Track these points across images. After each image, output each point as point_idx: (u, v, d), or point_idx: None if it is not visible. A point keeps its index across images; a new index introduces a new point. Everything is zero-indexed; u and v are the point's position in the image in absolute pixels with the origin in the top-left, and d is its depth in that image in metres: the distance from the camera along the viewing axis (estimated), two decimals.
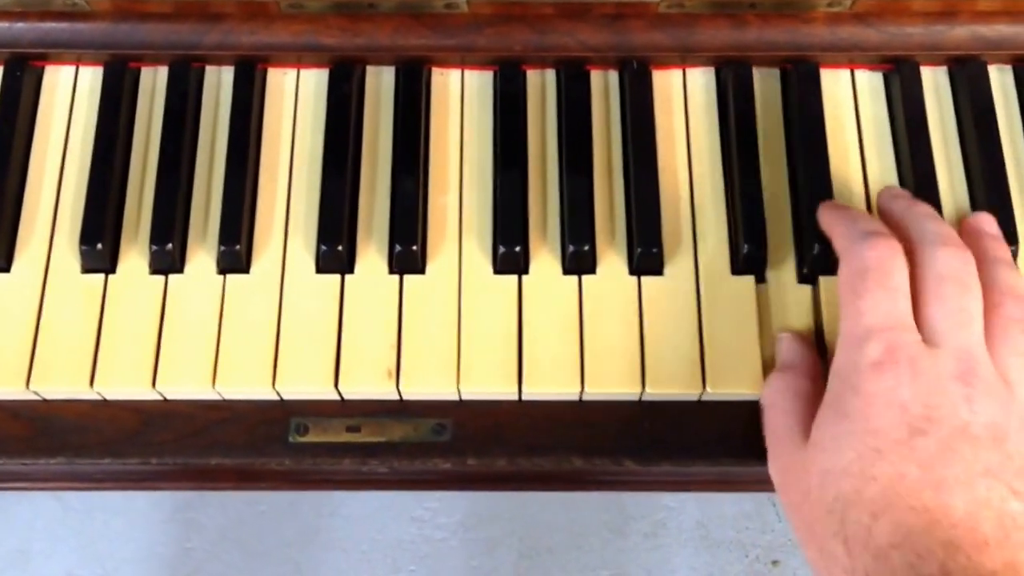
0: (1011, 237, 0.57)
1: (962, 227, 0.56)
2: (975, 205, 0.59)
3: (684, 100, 0.64)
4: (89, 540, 1.36)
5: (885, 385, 0.46)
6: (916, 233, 0.52)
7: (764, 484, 0.55)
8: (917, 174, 0.59)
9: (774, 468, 0.52)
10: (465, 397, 0.58)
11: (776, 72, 0.64)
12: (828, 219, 0.55)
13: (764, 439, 0.54)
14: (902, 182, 0.60)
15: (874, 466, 0.45)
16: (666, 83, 0.64)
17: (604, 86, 0.64)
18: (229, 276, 0.59)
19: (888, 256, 0.49)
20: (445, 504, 1.37)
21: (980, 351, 0.47)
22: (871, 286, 0.49)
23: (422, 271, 0.59)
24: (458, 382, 0.57)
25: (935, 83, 0.63)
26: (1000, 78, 0.63)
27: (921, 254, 0.50)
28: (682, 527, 1.36)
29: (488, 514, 1.37)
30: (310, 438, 0.58)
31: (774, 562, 1.35)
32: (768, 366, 0.56)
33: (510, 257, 0.59)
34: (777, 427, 0.52)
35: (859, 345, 0.48)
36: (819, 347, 0.57)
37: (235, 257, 0.59)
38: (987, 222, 0.56)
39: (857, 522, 0.44)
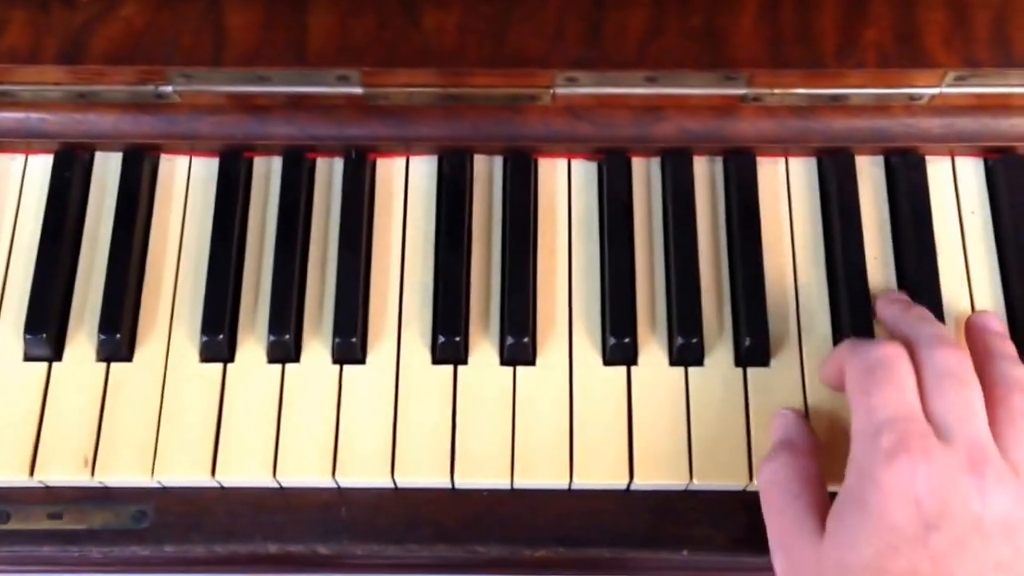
0: (698, 327, 0.59)
1: (968, 325, 0.58)
2: (669, 292, 0.61)
3: (405, 187, 0.65)
4: None
5: (901, 477, 0.47)
6: (913, 335, 0.53)
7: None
8: (613, 263, 0.61)
9: (785, 560, 0.51)
10: (166, 485, 0.59)
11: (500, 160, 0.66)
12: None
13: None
14: (603, 269, 0.62)
15: (891, 562, 0.45)
16: (388, 171, 0.65)
17: (328, 174, 0.65)
18: None
19: (893, 354, 0.51)
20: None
21: (988, 442, 0.48)
22: (879, 382, 0.50)
23: (129, 359, 0.60)
24: (153, 471, 0.58)
25: (646, 173, 0.65)
26: (709, 168, 0.65)
27: (919, 354, 0.52)
28: None
29: None
30: (11, 525, 0.59)
31: None
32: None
33: (213, 345, 0.60)
34: (788, 516, 0.51)
35: (873, 438, 0.48)
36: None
37: None
38: (992, 320, 0.57)
39: None
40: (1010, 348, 0.55)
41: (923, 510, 0.46)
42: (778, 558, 0.52)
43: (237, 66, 0.58)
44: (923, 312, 0.56)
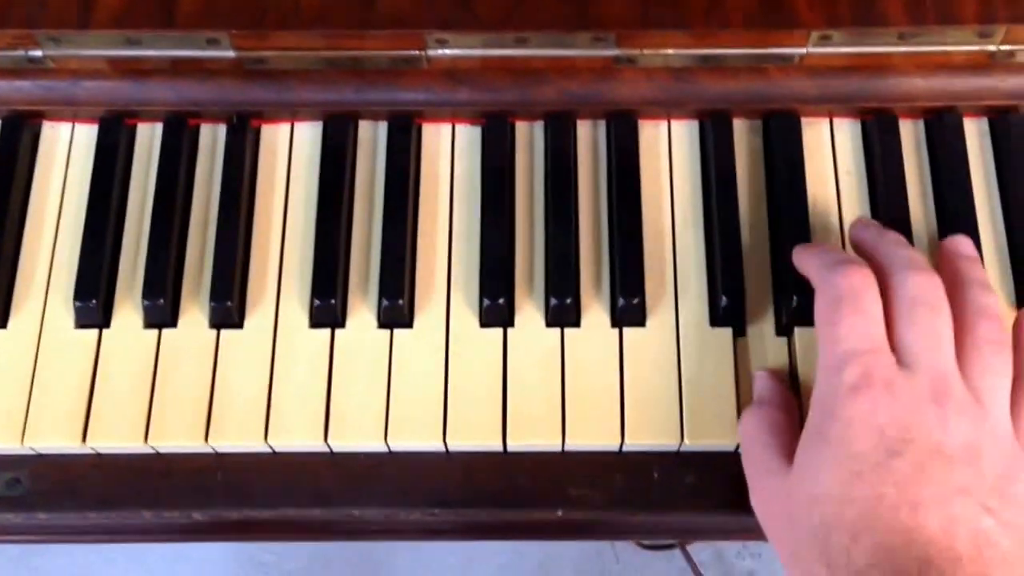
0: (572, 288, 0.59)
1: (940, 249, 0.57)
2: (547, 254, 0.61)
3: (289, 153, 0.65)
4: None
5: (862, 408, 0.47)
6: (887, 259, 0.53)
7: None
8: (489, 226, 0.61)
9: (757, 499, 0.52)
10: (40, 451, 0.58)
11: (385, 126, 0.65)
12: (801, 257, 0.56)
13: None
14: (483, 232, 0.62)
15: (854, 488, 0.46)
16: (273, 137, 0.65)
17: (213, 140, 0.65)
18: None
19: (859, 282, 0.50)
20: (290, 548, 1.39)
21: (952, 372, 0.49)
22: (845, 313, 0.50)
23: (3, 326, 0.60)
24: (23, 438, 0.57)
25: (530, 137, 0.65)
26: (592, 131, 0.65)
27: (892, 279, 0.52)
28: (522, 570, 1.39)
29: (331, 558, 1.40)
30: None
31: None
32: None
33: (87, 311, 0.60)
34: (757, 459, 0.52)
35: (837, 371, 0.49)
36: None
37: None
38: (964, 244, 0.56)
39: (838, 544, 0.46)
40: (981, 273, 0.54)
41: (885, 437, 0.47)
42: (756, 500, 0.53)
43: (105, 28, 0.58)
44: (898, 237, 0.55)
